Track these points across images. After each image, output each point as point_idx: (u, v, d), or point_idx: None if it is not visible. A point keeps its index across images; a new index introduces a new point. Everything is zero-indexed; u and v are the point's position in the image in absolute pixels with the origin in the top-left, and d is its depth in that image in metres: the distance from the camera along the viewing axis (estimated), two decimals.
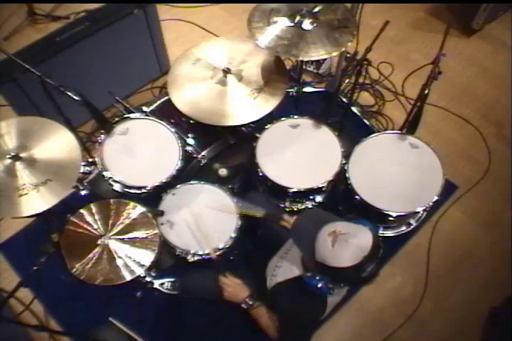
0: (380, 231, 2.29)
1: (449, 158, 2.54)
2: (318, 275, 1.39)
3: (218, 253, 1.89)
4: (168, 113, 2.16)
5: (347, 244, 1.30)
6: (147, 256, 1.80)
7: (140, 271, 1.78)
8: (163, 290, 2.14)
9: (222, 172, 2.20)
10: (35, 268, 1.66)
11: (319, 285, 1.38)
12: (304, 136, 2.14)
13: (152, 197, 2.03)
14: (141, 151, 2.05)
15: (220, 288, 1.74)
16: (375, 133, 2.19)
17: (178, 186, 2.07)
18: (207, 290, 1.89)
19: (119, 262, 1.77)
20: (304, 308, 1.50)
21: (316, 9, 1.97)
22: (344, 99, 2.68)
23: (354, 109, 2.73)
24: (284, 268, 1.63)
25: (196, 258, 1.97)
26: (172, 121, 2.16)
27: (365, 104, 2.83)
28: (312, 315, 1.52)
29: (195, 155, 2.13)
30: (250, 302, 1.63)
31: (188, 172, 2.11)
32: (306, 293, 1.45)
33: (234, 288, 1.69)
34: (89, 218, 1.86)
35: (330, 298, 1.51)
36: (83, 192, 1.98)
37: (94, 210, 1.88)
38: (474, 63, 3.05)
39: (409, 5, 3.27)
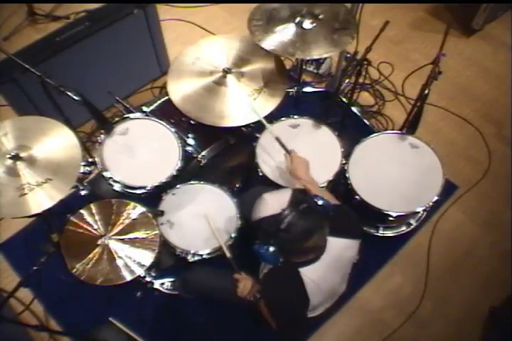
0: (380, 231, 2.30)
1: (449, 158, 2.55)
2: (260, 240, 1.43)
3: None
4: (168, 113, 2.16)
5: (262, 198, 1.46)
6: (147, 256, 1.80)
7: (140, 271, 1.78)
8: (163, 290, 2.15)
9: None
10: (35, 268, 1.65)
11: (266, 254, 1.39)
12: (304, 136, 2.14)
13: (152, 197, 2.03)
14: (141, 151, 2.05)
15: (224, 283, 1.77)
16: (375, 133, 2.19)
17: (178, 186, 2.07)
18: (207, 286, 1.91)
19: (119, 262, 1.78)
20: (283, 294, 1.52)
21: (317, 12, 1.97)
22: (344, 99, 2.68)
23: (354, 109, 2.73)
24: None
25: (196, 258, 1.97)
26: (172, 121, 2.16)
27: (365, 104, 2.83)
28: (292, 300, 1.52)
29: (195, 155, 2.13)
30: (258, 296, 1.66)
31: (188, 172, 2.11)
32: (280, 278, 1.50)
33: (246, 284, 1.72)
34: (89, 218, 1.86)
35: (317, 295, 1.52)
36: (83, 192, 1.98)
37: (94, 210, 1.88)
38: (474, 63, 3.05)
39: (409, 5, 3.27)
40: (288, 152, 1.86)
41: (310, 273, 1.48)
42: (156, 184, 1.98)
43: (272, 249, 1.39)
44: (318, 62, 2.89)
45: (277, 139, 1.89)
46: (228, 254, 1.82)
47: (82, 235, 1.83)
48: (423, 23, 3.22)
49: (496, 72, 3.00)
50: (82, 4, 2.99)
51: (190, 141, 2.14)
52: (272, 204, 1.41)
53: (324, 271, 1.51)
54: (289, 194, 1.44)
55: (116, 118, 2.15)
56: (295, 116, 2.20)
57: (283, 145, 1.88)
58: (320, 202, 1.43)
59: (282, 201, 1.40)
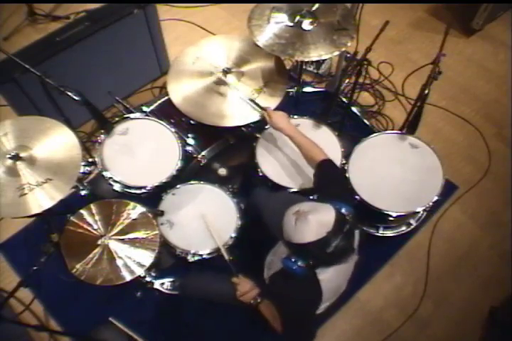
0: (380, 231, 2.30)
1: (449, 158, 2.55)
2: (292, 256, 1.40)
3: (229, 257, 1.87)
4: (168, 113, 2.16)
5: (307, 220, 1.34)
6: (147, 256, 1.80)
7: (140, 271, 1.78)
8: (163, 290, 2.15)
9: (222, 172, 2.21)
10: (35, 268, 1.65)
11: (294, 267, 1.38)
12: None
13: (152, 197, 2.03)
14: (141, 151, 2.05)
15: (223, 287, 1.76)
16: (375, 133, 2.19)
17: (178, 186, 2.07)
18: (206, 291, 1.90)
19: (119, 262, 1.77)
20: (297, 295, 1.50)
21: (314, 8, 1.97)
22: (344, 99, 2.68)
23: (354, 109, 2.73)
24: (276, 261, 1.64)
25: (196, 258, 1.97)
26: (172, 121, 2.16)
27: (365, 104, 2.83)
28: (306, 301, 1.52)
29: (195, 155, 2.13)
30: (259, 300, 1.66)
31: (188, 172, 2.11)
32: (296, 280, 1.46)
33: (246, 287, 1.70)
34: (89, 218, 1.86)
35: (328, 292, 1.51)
36: (83, 192, 1.98)
37: (94, 210, 1.88)
38: (474, 63, 3.05)
39: (409, 5, 3.27)
40: (264, 109, 1.91)
41: (322, 275, 1.47)
42: (156, 184, 1.98)
43: (301, 263, 1.37)
44: (318, 62, 2.89)
45: (251, 100, 1.95)
46: (226, 257, 1.81)
47: (82, 235, 1.83)
48: (423, 23, 3.22)
49: (496, 72, 3.00)
50: (82, 4, 2.98)
51: (190, 141, 2.14)
52: (318, 227, 1.34)
53: (335, 271, 1.50)
54: (333, 214, 1.36)
55: (116, 118, 2.15)
56: (295, 116, 2.20)
57: (257, 105, 1.94)
58: (343, 210, 1.40)
59: (327, 222, 1.34)
